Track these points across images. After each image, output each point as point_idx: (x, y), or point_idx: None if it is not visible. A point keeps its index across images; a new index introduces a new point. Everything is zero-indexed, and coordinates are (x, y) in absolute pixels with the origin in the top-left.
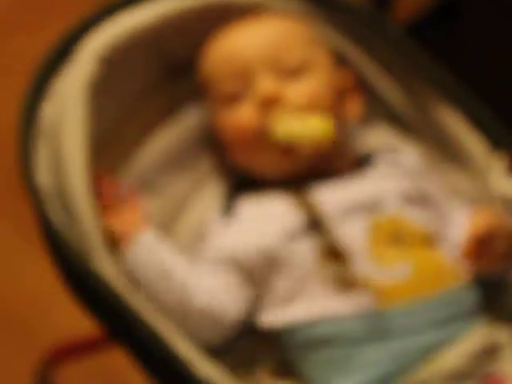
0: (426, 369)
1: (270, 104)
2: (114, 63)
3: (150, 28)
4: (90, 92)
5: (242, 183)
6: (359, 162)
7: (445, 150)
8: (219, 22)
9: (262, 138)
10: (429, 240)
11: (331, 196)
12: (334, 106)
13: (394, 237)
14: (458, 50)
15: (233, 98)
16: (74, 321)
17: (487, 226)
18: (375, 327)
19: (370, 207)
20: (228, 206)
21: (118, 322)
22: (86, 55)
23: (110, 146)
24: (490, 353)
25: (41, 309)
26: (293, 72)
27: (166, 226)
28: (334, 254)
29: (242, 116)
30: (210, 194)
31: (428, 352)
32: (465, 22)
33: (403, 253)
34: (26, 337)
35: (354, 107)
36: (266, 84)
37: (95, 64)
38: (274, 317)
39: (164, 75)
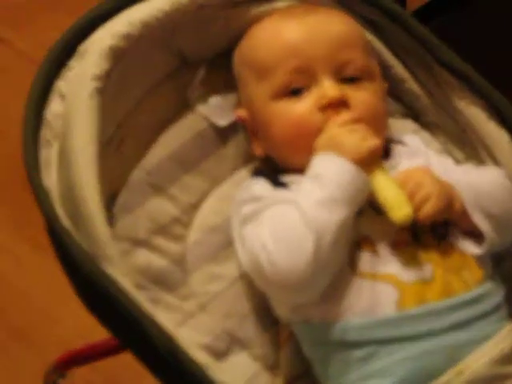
0: (451, 372)
1: (334, 106)
2: (123, 58)
3: (162, 19)
4: (99, 88)
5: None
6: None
7: (464, 143)
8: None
9: (316, 136)
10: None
11: None
12: (385, 116)
13: (416, 233)
14: (468, 38)
15: (293, 92)
16: (82, 328)
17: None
18: (397, 329)
19: None
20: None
21: (126, 323)
22: (94, 50)
23: (120, 146)
24: None
25: (47, 317)
26: (355, 77)
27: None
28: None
29: (303, 111)
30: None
31: (452, 354)
32: (474, 9)
33: (425, 251)
34: (32, 345)
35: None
36: (331, 85)
37: (104, 59)
38: (293, 311)
39: (175, 69)
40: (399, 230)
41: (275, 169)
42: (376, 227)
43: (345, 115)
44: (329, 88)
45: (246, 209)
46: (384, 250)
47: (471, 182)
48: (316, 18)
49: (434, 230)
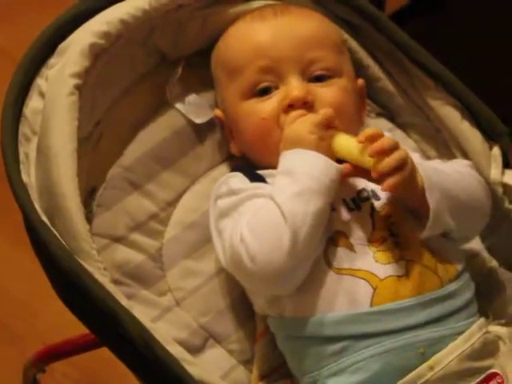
0: (423, 367)
1: (298, 107)
2: (102, 56)
3: (141, 18)
4: (78, 86)
5: None
6: None
7: (438, 143)
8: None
9: (280, 135)
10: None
11: (341, 185)
12: (356, 113)
13: (391, 229)
14: (443, 40)
15: (261, 91)
16: (60, 322)
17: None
18: (371, 325)
19: (370, 194)
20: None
21: (103, 318)
22: (74, 48)
23: (98, 143)
24: (489, 347)
25: (27, 311)
26: (323, 76)
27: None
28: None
29: (267, 112)
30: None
31: (424, 350)
32: (449, 10)
33: (402, 248)
34: (11, 339)
35: (364, 112)
36: (297, 84)
37: (84, 57)
38: (269, 305)
39: (154, 67)
40: (376, 226)
41: (252, 167)
42: (352, 223)
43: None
44: (294, 88)
45: (223, 202)
46: (360, 246)
47: (437, 166)
48: (285, 19)
49: (412, 226)
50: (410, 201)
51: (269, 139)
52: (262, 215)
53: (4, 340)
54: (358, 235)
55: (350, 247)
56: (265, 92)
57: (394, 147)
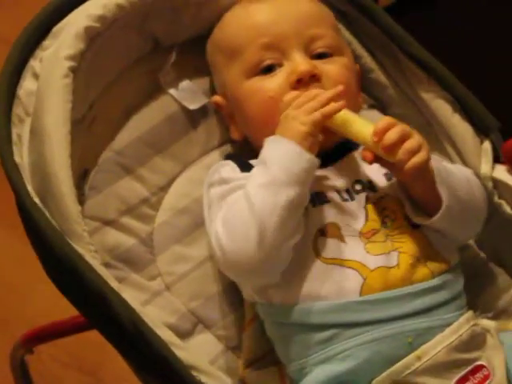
0: (410, 357)
1: (305, 81)
2: (97, 39)
3: (136, 3)
4: (73, 68)
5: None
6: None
7: (429, 135)
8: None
9: None
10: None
11: (335, 175)
12: (357, 92)
13: (385, 222)
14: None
15: (265, 69)
16: (49, 306)
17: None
18: (359, 314)
19: (366, 186)
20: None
21: (93, 300)
22: (69, 30)
23: (92, 126)
24: (477, 339)
25: (15, 295)
26: (324, 53)
27: (150, 204)
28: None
29: (275, 88)
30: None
31: (412, 340)
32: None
33: (394, 239)
34: (2, 321)
35: (360, 96)
36: (302, 59)
37: (79, 40)
38: (256, 293)
39: (148, 52)
40: (369, 217)
41: (252, 153)
42: (344, 215)
43: (315, 87)
44: (300, 63)
45: (214, 191)
46: (351, 237)
47: (445, 165)
48: (284, 0)
49: (407, 219)
50: (417, 191)
51: (275, 116)
52: (233, 209)
53: None
54: (349, 226)
55: (341, 238)
56: (269, 70)
57: (405, 137)
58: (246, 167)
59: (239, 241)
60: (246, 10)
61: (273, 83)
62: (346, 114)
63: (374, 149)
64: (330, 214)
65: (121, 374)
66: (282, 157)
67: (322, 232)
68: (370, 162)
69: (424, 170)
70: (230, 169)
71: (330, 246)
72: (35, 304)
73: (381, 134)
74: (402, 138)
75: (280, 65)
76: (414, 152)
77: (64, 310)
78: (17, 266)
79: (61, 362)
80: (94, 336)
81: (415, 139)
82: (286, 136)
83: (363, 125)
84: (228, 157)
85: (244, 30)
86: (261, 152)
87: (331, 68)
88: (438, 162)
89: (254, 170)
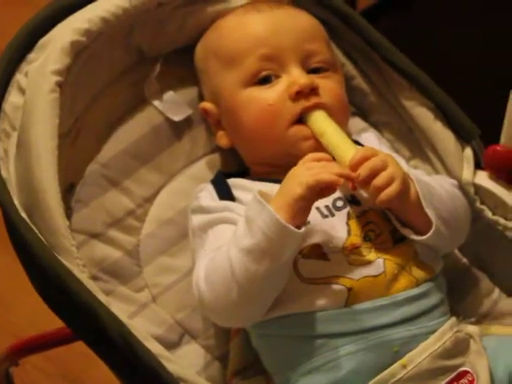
0: (396, 366)
1: (305, 94)
2: (83, 53)
3: (121, 16)
4: (59, 83)
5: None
6: None
7: (411, 142)
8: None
9: (286, 124)
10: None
11: None
12: (348, 108)
13: (368, 235)
14: (410, 38)
15: (262, 80)
16: (34, 317)
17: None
18: (344, 324)
19: (350, 199)
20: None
21: (81, 314)
22: (56, 45)
23: (76, 139)
24: (460, 345)
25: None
26: (320, 68)
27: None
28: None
29: (275, 98)
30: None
31: (398, 348)
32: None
33: (377, 250)
34: None
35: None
36: (301, 73)
37: (65, 54)
38: None
39: (132, 64)
40: (351, 232)
41: (236, 162)
42: (325, 232)
43: (314, 99)
44: (299, 76)
45: (195, 220)
46: (333, 254)
47: (426, 181)
48: (282, 12)
49: (392, 233)
50: (400, 214)
51: (273, 126)
52: (216, 265)
53: None
54: (331, 243)
55: (323, 257)
56: (266, 80)
57: (376, 172)
58: (224, 193)
59: (219, 299)
60: (244, 19)
61: (272, 93)
62: (332, 135)
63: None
64: (310, 235)
65: (105, 382)
66: (267, 226)
67: (303, 254)
68: (352, 189)
69: (399, 200)
70: (209, 195)
71: (312, 267)
72: (19, 314)
73: (356, 167)
74: (373, 174)
75: (277, 76)
76: (383, 188)
77: (49, 319)
78: (0, 276)
79: (45, 372)
80: (79, 346)
81: (387, 173)
82: (282, 192)
83: (344, 150)
84: (216, 176)
85: (243, 40)
86: (250, 202)
87: (327, 83)
88: (420, 184)
89: (239, 226)
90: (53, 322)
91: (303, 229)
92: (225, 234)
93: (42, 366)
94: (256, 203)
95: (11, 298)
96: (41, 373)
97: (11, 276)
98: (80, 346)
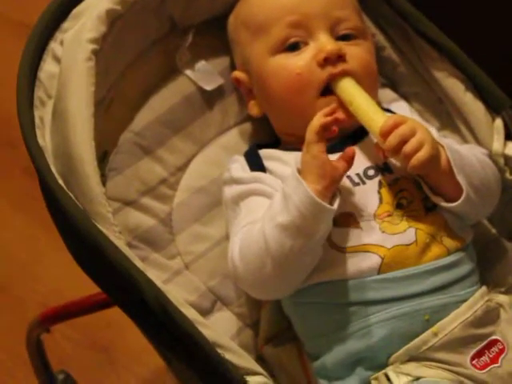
0: (427, 333)
1: (332, 60)
2: (118, 22)
3: None
4: (95, 51)
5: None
6: None
7: (440, 113)
8: None
9: (314, 91)
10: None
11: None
12: (377, 77)
13: (401, 203)
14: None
15: (290, 47)
16: (59, 286)
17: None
18: (376, 292)
19: (382, 167)
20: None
21: (118, 280)
22: (91, 13)
23: (110, 107)
24: (491, 314)
25: (27, 274)
26: (348, 35)
27: (169, 184)
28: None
29: (303, 65)
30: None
31: (429, 316)
32: None
33: (409, 219)
34: (11, 300)
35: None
36: (329, 40)
37: (101, 22)
38: None
39: (165, 34)
40: (383, 200)
41: (268, 131)
42: (357, 200)
43: (341, 66)
44: (327, 42)
45: (227, 192)
46: (366, 222)
47: (457, 149)
48: None
49: (424, 201)
50: (431, 180)
51: (302, 94)
52: (251, 240)
53: (4, 303)
54: (363, 211)
55: (356, 225)
56: (294, 47)
57: (406, 138)
58: (255, 164)
59: (254, 275)
60: None
61: (300, 60)
62: (361, 103)
63: (382, 145)
64: (341, 204)
65: (133, 351)
66: (302, 203)
67: (335, 223)
68: (383, 157)
69: (431, 165)
70: (240, 167)
71: (345, 236)
72: (47, 284)
73: (386, 135)
74: (403, 141)
75: (305, 43)
76: (412, 154)
77: (76, 289)
78: (28, 247)
79: (73, 341)
80: (105, 315)
81: (415, 139)
82: (315, 178)
83: (374, 119)
84: (250, 148)
85: (271, 8)
86: (288, 178)
87: (356, 50)
88: (451, 150)
89: (275, 200)
90: (77, 292)
91: (336, 204)
92: (256, 207)
93: (71, 335)
94: (293, 179)
95: (38, 269)
96: (69, 341)
97: (38, 247)
98: (108, 316)
